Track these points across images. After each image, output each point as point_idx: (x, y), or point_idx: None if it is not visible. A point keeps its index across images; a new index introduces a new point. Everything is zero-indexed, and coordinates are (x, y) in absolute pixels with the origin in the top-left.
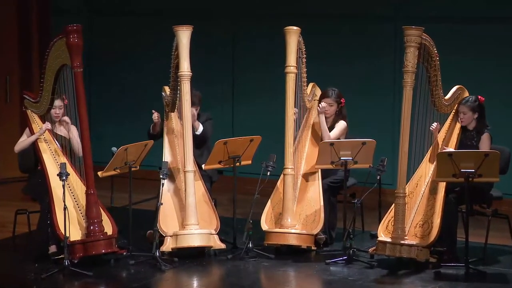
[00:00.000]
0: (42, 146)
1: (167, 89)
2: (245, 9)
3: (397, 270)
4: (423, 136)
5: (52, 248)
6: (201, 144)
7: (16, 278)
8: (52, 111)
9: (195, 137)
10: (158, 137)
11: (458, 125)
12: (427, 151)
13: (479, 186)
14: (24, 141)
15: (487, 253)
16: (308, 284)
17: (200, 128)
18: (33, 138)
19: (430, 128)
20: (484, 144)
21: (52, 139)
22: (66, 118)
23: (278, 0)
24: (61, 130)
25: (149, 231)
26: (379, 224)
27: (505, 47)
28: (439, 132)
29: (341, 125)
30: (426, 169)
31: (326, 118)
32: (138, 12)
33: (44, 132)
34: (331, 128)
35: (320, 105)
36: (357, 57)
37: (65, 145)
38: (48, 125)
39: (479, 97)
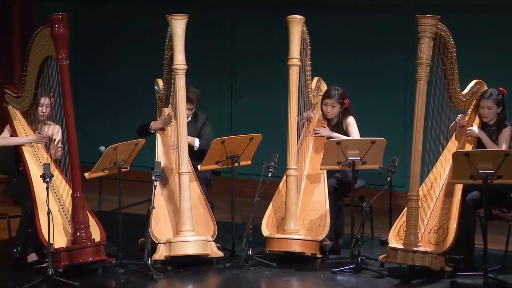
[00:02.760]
0: (25, 146)
1: (160, 81)
2: None
3: (409, 279)
4: (437, 134)
5: (32, 257)
6: (200, 155)
7: None
8: (39, 109)
9: (193, 151)
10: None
11: (477, 122)
12: (442, 150)
13: (498, 188)
14: (4, 138)
15: (507, 261)
16: None
17: (196, 143)
18: (15, 141)
19: (457, 119)
20: (504, 136)
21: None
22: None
23: None
24: (45, 131)
25: (140, 239)
26: (389, 229)
27: None
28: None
29: (352, 121)
30: (441, 170)
31: (329, 119)
32: None
33: (29, 143)
34: (338, 125)
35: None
36: (366, 49)
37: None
38: (37, 138)
39: (501, 89)
